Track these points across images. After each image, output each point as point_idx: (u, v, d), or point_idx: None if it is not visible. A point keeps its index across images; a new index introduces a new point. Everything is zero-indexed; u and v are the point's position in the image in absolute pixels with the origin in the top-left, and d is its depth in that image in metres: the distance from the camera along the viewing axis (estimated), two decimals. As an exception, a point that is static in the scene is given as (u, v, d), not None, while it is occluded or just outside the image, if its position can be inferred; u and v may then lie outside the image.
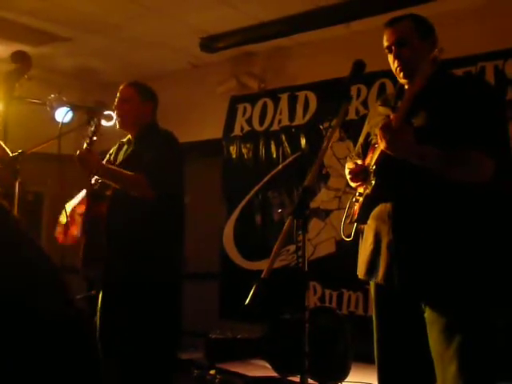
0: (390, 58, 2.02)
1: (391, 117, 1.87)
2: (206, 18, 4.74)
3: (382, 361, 2.01)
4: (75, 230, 2.59)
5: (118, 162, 2.75)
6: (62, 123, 2.70)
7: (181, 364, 4.05)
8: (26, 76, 2.66)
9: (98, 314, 2.67)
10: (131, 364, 2.60)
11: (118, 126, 2.78)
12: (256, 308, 1.27)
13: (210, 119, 5.67)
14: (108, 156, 2.88)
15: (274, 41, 5.02)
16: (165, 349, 2.72)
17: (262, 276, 1.32)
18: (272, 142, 5.27)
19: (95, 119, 2.55)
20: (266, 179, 5.26)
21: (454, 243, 1.86)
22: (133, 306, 2.57)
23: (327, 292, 4.78)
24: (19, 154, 2.42)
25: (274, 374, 3.35)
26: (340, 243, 4.73)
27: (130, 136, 2.83)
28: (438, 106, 1.91)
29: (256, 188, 5.31)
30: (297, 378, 3.32)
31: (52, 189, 5.41)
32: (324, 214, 4.86)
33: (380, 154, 1.94)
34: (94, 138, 2.51)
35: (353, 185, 2.11)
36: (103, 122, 2.67)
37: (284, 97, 5.21)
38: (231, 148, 5.56)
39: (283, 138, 5.18)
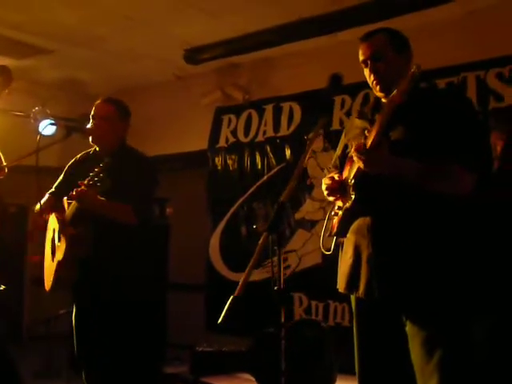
0: (366, 71, 2.03)
1: (367, 132, 1.87)
2: (190, 29, 4.74)
3: (363, 376, 2.00)
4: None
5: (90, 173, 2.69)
6: (41, 135, 2.66)
7: (166, 378, 4.01)
8: (6, 90, 2.64)
9: (74, 330, 2.65)
10: (110, 380, 2.58)
11: (91, 141, 2.75)
12: (230, 324, 1.26)
13: (194, 130, 5.66)
14: (67, 168, 2.89)
15: (259, 52, 5.02)
16: (144, 364, 2.71)
17: (236, 294, 1.30)
18: (257, 153, 5.26)
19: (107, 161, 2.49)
20: (251, 190, 5.25)
21: (434, 256, 1.86)
22: (107, 324, 2.57)
23: (313, 303, 4.76)
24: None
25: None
26: (326, 254, 4.71)
27: (97, 148, 2.81)
28: (416, 119, 1.91)
29: (241, 199, 5.30)
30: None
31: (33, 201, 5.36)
32: (309, 224, 4.85)
33: (358, 169, 1.94)
34: (99, 182, 2.43)
35: (330, 199, 2.10)
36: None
37: (269, 108, 5.22)
38: (216, 159, 5.55)
39: (268, 149, 5.18)
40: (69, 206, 2.61)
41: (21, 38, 5.01)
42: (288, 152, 5.06)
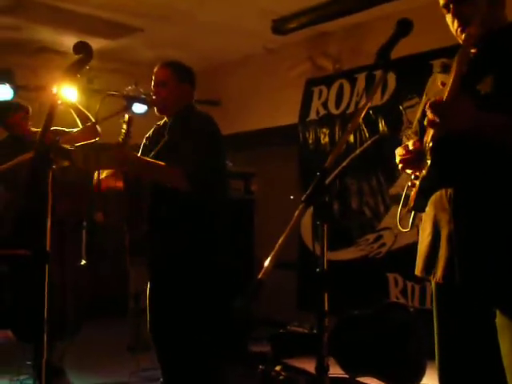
0: (449, 17, 1.73)
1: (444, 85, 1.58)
2: (277, -1, 4.55)
3: (444, 374, 1.74)
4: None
5: (155, 148, 2.61)
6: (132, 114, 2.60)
7: (249, 357, 3.94)
8: (87, 67, 2.63)
9: (148, 306, 2.60)
10: (182, 359, 2.51)
11: (156, 112, 2.65)
12: (249, 312, 1.09)
13: (285, 104, 5.48)
14: (145, 140, 2.75)
15: (349, 17, 4.71)
16: (221, 343, 2.61)
17: (260, 276, 1.12)
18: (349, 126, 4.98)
19: (131, 116, 2.43)
20: (343, 165, 4.97)
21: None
22: (181, 302, 2.47)
23: (409, 284, 4.45)
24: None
25: (341, 373, 3.12)
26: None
27: (166, 119, 2.69)
28: (509, 66, 1.58)
29: (333, 174, 5.04)
30: (366, 379, 3.08)
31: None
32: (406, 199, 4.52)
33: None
34: (128, 138, 2.37)
35: (408, 172, 1.82)
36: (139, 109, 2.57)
37: (361, 77, 4.91)
38: (307, 133, 5.34)
39: (360, 120, 4.86)
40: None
41: (112, 17, 5.10)
42: (382, 123, 4.73)
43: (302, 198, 1.24)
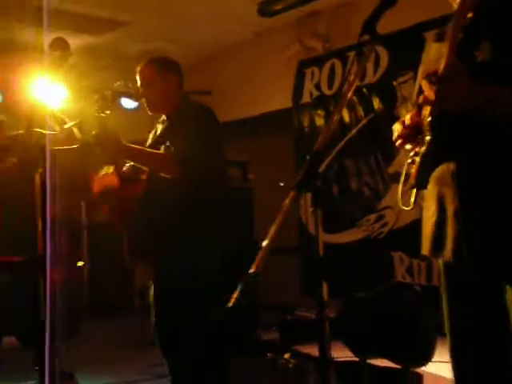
0: None
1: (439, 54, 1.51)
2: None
3: (457, 353, 1.69)
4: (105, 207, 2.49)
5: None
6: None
7: (257, 345, 3.90)
8: (67, 63, 2.56)
9: (153, 307, 2.56)
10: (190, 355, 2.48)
11: (148, 112, 2.58)
12: (242, 309, 1.04)
13: (277, 89, 5.41)
14: (151, 135, 2.68)
15: (336, -5, 4.64)
16: (227, 334, 2.57)
17: (252, 270, 1.06)
18: (343, 106, 4.92)
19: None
20: (339, 146, 4.93)
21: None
22: (183, 298, 2.42)
23: (415, 262, 4.41)
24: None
25: (351, 356, 3.09)
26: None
27: (164, 116, 2.62)
28: (508, 30, 1.50)
29: (330, 156, 5.00)
30: (376, 361, 3.05)
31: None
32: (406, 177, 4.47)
33: (433, 102, 1.57)
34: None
35: (407, 148, 1.75)
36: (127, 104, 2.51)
37: (352, 55, 4.81)
38: (301, 117, 5.28)
39: (354, 99, 4.80)
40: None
41: (96, 13, 5.02)
42: (376, 101, 4.67)
43: (293, 185, 1.18)
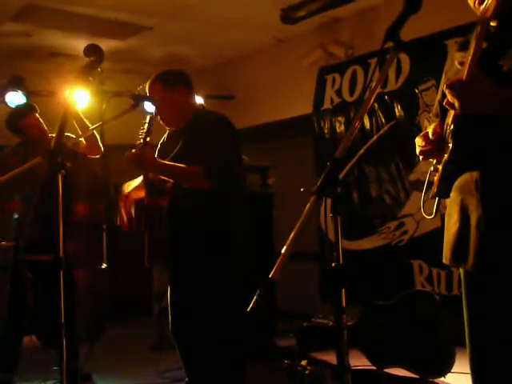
0: None
1: (461, 64, 1.50)
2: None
3: (477, 363, 1.66)
4: (126, 215, 2.50)
5: (171, 153, 2.56)
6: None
7: (275, 352, 3.89)
8: (98, 69, 2.59)
9: (169, 308, 2.58)
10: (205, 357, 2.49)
11: (164, 127, 2.61)
12: (259, 316, 1.03)
13: (298, 95, 5.40)
14: (159, 146, 2.70)
15: (359, 2, 4.62)
16: (243, 338, 2.58)
17: (271, 276, 1.06)
18: (364, 113, 4.89)
19: (152, 116, 2.40)
20: (360, 153, 4.91)
21: None
22: (201, 301, 2.44)
23: (435, 271, 4.37)
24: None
25: (368, 364, 3.07)
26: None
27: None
28: None
29: (351, 163, 4.98)
30: (394, 370, 3.02)
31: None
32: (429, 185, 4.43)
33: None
34: (148, 138, 2.34)
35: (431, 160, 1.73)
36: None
37: (374, 62, 4.80)
38: (322, 123, 5.26)
39: (376, 106, 4.78)
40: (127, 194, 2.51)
41: (120, 17, 5.07)
42: (397, 108, 4.64)
43: (313, 190, 1.18)
